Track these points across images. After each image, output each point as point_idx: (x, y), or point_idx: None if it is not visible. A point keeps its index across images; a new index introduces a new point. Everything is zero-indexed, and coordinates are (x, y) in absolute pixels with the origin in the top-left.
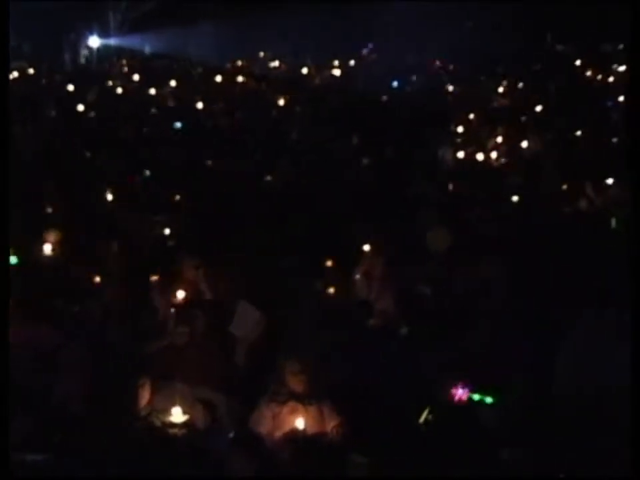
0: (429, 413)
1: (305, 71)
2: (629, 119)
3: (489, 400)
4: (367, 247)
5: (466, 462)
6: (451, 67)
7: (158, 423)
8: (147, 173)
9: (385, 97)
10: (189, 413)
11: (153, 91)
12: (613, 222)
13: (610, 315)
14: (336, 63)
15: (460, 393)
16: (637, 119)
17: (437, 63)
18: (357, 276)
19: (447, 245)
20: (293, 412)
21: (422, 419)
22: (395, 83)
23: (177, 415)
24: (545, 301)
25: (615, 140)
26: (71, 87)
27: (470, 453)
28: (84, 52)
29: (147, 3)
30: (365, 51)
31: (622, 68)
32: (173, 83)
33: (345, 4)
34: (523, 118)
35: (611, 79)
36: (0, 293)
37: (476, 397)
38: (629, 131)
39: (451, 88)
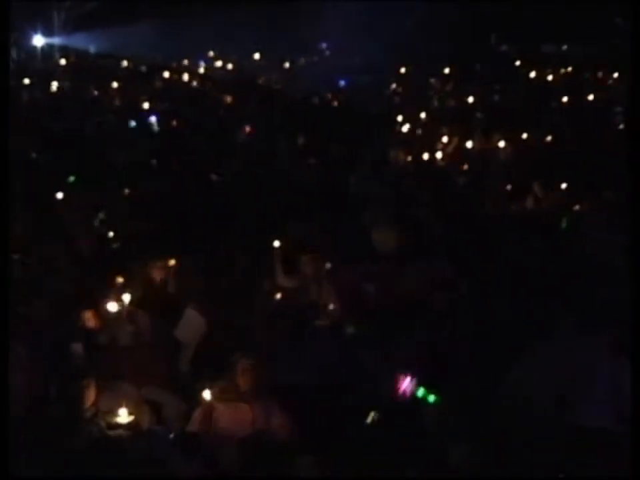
0: (376, 413)
1: (252, 70)
2: (629, 119)
3: (431, 398)
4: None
5: (412, 461)
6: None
7: (103, 424)
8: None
9: (331, 97)
10: (134, 413)
11: (97, 91)
12: (564, 222)
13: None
14: (282, 62)
15: (406, 386)
16: (637, 119)
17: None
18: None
19: (394, 244)
20: (240, 411)
21: (369, 419)
22: (342, 82)
23: (123, 416)
24: (492, 299)
25: (560, 140)
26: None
27: (416, 452)
28: (27, 51)
29: (91, 2)
30: (318, 48)
31: (566, 69)
32: (117, 83)
33: (290, 3)
34: (470, 118)
35: (550, 78)
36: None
37: (420, 392)
38: (630, 131)
39: (397, 88)
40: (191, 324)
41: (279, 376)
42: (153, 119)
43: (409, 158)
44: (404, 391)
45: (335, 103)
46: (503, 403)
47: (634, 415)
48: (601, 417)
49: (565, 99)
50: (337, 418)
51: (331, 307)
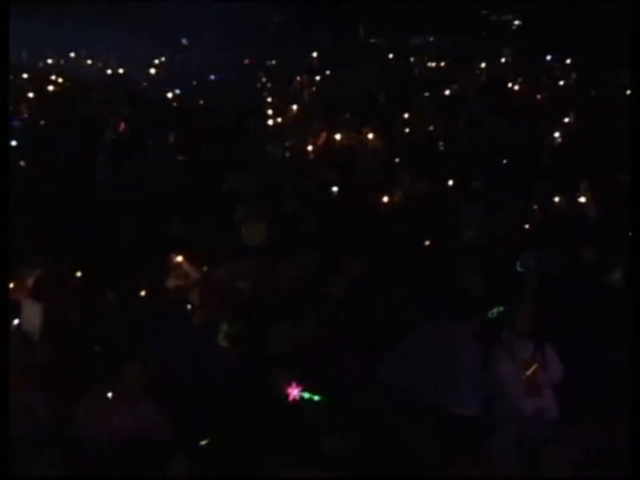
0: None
1: (120, 69)
2: (632, 119)
3: (316, 398)
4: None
5: (288, 454)
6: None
7: None
8: None
9: (200, 93)
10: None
11: None
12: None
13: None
14: (151, 59)
15: (294, 393)
16: (638, 118)
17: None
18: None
19: (263, 239)
20: (121, 410)
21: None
22: (211, 78)
23: None
24: (365, 292)
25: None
26: None
27: (292, 445)
28: None
29: None
30: (185, 45)
31: (437, 61)
32: None
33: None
34: (340, 111)
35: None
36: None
37: (306, 395)
38: (633, 131)
39: (267, 82)
40: (27, 311)
41: (158, 375)
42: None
43: (280, 151)
44: (294, 398)
45: (205, 99)
46: (378, 392)
47: (633, 414)
48: (469, 404)
49: (435, 90)
50: (215, 416)
51: (205, 304)
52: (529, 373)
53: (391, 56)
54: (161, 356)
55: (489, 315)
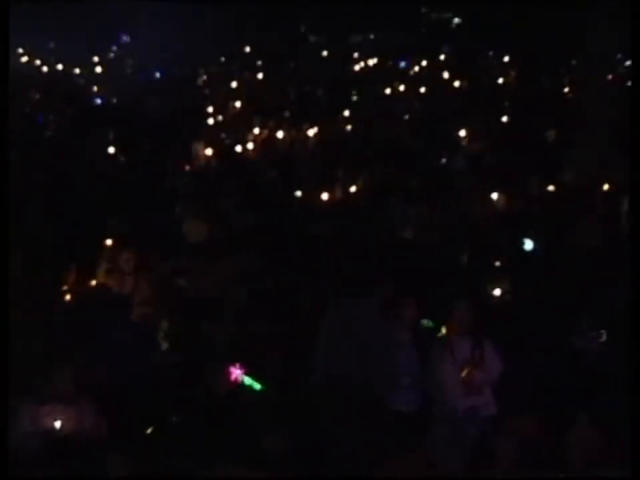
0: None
1: (59, 66)
2: (632, 118)
3: (257, 387)
4: (110, 241)
5: (229, 451)
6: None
7: None
8: None
9: (141, 91)
10: None
11: None
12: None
13: (364, 304)
14: (91, 57)
15: (237, 373)
16: (637, 118)
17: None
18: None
19: (203, 236)
20: (51, 412)
21: (149, 430)
22: (157, 74)
23: None
24: (301, 289)
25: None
26: None
27: (233, 442)
28: None
29: None
30: (116, 46)
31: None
32: None
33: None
34: (280, 109)
35: (358, 68)
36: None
37: (247, 380)
38: (632, 130)
39: (208, 80)
40: None
41: (92, 374)
42: None
43: (220, 149)
44: (235, 378)
45: (144, 97)
46: (314, 386)
47: (633, 415)
48: (408, 401)
49: (374, 88)
50: (150, 415)
51: (143, 301)
52: (463, 374)
53: (325, 53)
54: (99, 354)
55: (423, 324)
